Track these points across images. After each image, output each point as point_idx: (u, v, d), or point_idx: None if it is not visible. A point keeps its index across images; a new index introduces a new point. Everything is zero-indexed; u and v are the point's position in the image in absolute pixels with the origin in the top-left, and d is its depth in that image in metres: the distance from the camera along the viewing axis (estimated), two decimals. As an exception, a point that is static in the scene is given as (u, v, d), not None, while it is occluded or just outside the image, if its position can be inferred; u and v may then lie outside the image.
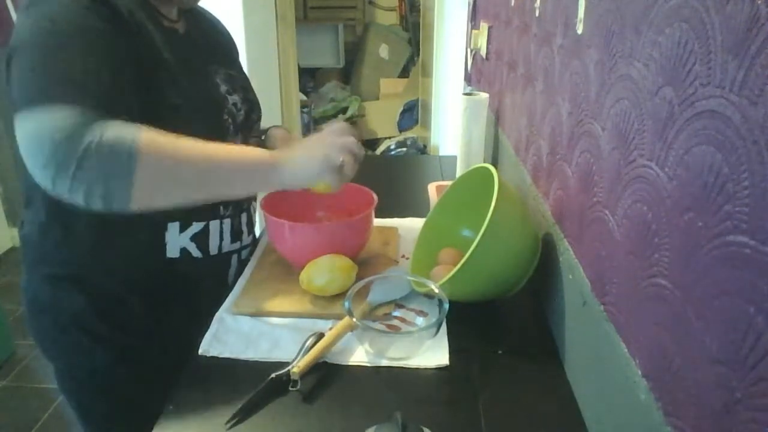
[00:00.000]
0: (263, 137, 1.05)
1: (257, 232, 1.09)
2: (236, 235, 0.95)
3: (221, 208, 0.91)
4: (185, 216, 0.86)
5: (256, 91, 1.02)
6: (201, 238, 0.89)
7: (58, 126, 0.62)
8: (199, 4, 0.99)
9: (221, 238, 0.92)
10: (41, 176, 0.64)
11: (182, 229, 0.87)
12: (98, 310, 0.87)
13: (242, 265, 0.99)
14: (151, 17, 0.82)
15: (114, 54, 0.71)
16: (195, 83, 0.85)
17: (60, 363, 0.93)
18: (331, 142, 0.79)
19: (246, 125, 0.95)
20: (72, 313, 0.87)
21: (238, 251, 0.97)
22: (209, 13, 1.03)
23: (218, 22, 1.04)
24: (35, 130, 0.63)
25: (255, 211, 1.04)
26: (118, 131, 0.64)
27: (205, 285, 0.93)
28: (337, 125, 0.84)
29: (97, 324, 0.88)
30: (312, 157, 0.78)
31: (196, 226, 0.88)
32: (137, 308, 0.89)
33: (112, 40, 0.72)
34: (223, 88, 0.91)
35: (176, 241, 0.87)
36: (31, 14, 0.69)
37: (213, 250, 0.92)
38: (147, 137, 0.66)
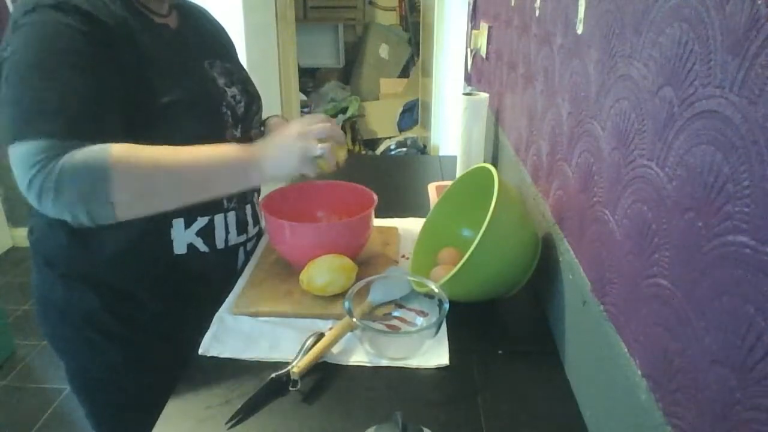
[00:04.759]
0: (262, 128, 1.04)
1: (263, 223, 1.09)
2: (242, 227, 0.96)
3: (225, 201, 0.91)
4: (189, 211, 0.86)
5: (254, 89, 1.02)
6: (207, 233, 0.90)
7: (32, 160, 0.69)
8: (198, 3, 0.99)
9: (227, 231, 0.93)
10: (30, 200, 0.71)
11: (187, 224, 0.87)
12: (111, 308, 0.88)
13: (249, 257, 1.00)
14: (139, 17, 0.82)
15: (93, 72, 0.73)
16: (190, 78, 0.85)
17: (72, 361, 0.93)
18: (307, 133, 0.80)
19: (246, 117, 0.95)
20: (84, 312, 0.87)
21: (244, 243, 0.98)
22: (202, 9, 1.02)
23: (211, 17, 1.03)
24: (15, 162, 0.70)
25: (259, 203, 1.04)
26: (88, 154, 0.69)
27: (215, 280, 0.93)
28: (311, 116, 0.85)
29: (109, 322, 0.88)
30: (290, 152, 0.80)
31: (201, 221, 0.88)
32: (149, 306, 0.90)
33: (92, 57, 0.73)
34: (221, 81, 0.91)
35: (182, 237, 0.87)
36: (13, 40, 0.72)
37: (220, 243, 0.92)
38: (118, 154, 0.70)
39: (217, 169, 0.78)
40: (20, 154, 0.70)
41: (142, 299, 0.89)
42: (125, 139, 0.76)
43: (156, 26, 0.84)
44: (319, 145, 0.79)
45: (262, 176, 0.80)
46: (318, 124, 0.82)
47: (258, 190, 1.04)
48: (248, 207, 0.98)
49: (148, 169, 0.72)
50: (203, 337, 0.79)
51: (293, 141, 0.80)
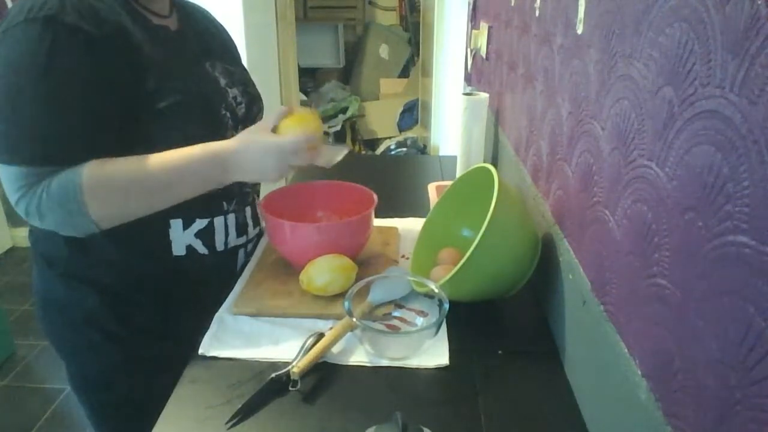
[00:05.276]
0: None
1: (263, 225, 1.09)
2: (242, 229, 0.95)
3: (224, 203, 0.91)
4: (187, 213, 0.86)
5: (255, 89, 1.02)
6: (206, 235, 0.90)
7: (14, 185, 0.74)
8: (198, 3, 0.99)
9: (227, 234, 0.92)
10: (19, 214, 0.77)
11: (186, 226, 0.87)
12: (110, 308, 0.88)
13: (248, 258, 1.00)
14: (137, 19, 0.81)
15: (78, 92, 0.73)
16: (188, 80, 0.84)
17: (72, 361, 0.93)
18: (284, 163, 0.82)
19: (247, 118, 0.95)
20: (84, 312, 0.87)
21: (245, 245, 0.97)
22: (204, 10, 1.01)
23: (213, 18, 1.03)
24: (2, 180, 0.75)
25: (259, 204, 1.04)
26: (62, 180, 0.73)
27: (214, 281, 0.93)
28: (298, 144, 0.82)
29: (109, 322, 0.88)
30: (263, 172, 0.83)
31: (200, 223, 0.88)
32: (148, 307, 0.90)
33: (78, 76, 0.73)
34: (223, 81, 0.91)
35: (181, 238, 0.87)
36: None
37: (219, 246, 0.92)
38: (89, 176, 0.74)
39: (184, 176, 0.80)
40: (4, 176, 0.74)
41: (141, 300, 0.89)
42: (124, 144, 0.77)
43: (154, 27, 0.83)
44: (291, 171, 0.85)
45: (230, 180, 0.83)
46: (300, 157, 0.82)
47: (258, 192, 1.04)
48: (248, 209, 0.97)
49: (119, 184, 0.77)
50: (203, 337, 0.79)
51: (272, 165, 0.82)
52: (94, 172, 0.74)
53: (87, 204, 0.74)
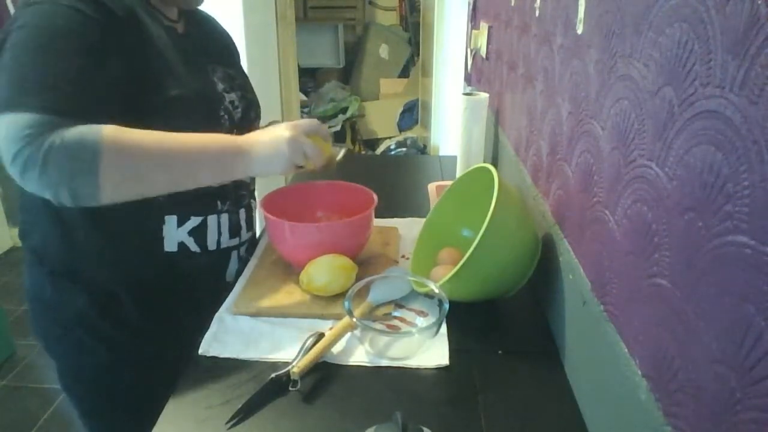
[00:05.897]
0: None
1: (258, 230, 1.09)
2: (235, 230, 0.96)
3: (219, 203, 0.92)
4: (183, 210, 0.87)
5: (256, 91, 1.03)
6: (199, 233, 0.90)
7: (21, 132, 0.66)
8: (201, 6, 1.01)
9: (219, 233, 0.93)
10: (12, 172, 0.68)
11: (180, 223, 0.88)
12: (100, 308, 0.88)
13: (241, 261, 0.99)
14: (151, 15, 0.84)
15: (97, 59, 0.73)
16: (192, 77, 0.86)
17: (62, 361, 0.93)
18: (297, 144, 0.80)
19: (244, 122, 0.96)
20: (74, 312, 0.87)
21: (237, 247, 0.97)
22: (209, 16, 1.04)
23: (218, 24, 1.05)
24: (4, 131, 0.67)
25: (255, 208, 1.04)
26: (81, 131, 0.68)
27: (204, 281, 0.93)
28: (308, 124, 0.84)
29: (98, 322, 0.88)
30: (277, 155, 0.80)
31: (194, 221, 0.89)
32: (137, 306, 0.89)
33: (98, 44, 0.74)
34: (221, 86, 0.92)
35: (174, 235, 0.88)
36: (22, 14, 0.73)
37: (211, 245, 0.92)
38: (109, 134, 0.69)
39: (204, 158, 0.77)
40: (9, 125, 0.67)
41: (131, 299, 0.89)
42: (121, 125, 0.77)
43: (165, 26, 0.86)
44: (307, 150, 0.81)
45: (246, 171, 0.80)
46: (311, 146, 0.82)
47: (254, 196, 1.04)
48: (242, 211, 0.98)
49: (138, 150, 0.72)
50: (203, 337, 0.79)
51: (283, 144, 0.80)
52: (114, 132, 0.70)
53: (101, 159, 0.68)
